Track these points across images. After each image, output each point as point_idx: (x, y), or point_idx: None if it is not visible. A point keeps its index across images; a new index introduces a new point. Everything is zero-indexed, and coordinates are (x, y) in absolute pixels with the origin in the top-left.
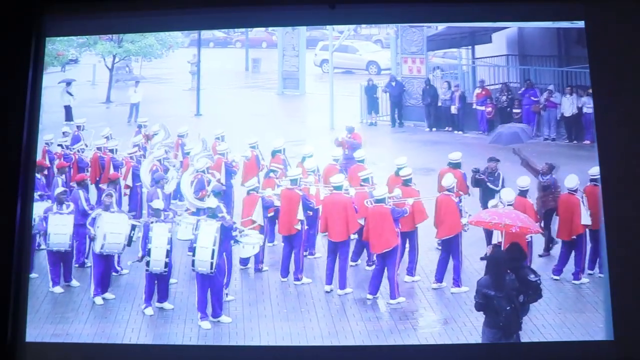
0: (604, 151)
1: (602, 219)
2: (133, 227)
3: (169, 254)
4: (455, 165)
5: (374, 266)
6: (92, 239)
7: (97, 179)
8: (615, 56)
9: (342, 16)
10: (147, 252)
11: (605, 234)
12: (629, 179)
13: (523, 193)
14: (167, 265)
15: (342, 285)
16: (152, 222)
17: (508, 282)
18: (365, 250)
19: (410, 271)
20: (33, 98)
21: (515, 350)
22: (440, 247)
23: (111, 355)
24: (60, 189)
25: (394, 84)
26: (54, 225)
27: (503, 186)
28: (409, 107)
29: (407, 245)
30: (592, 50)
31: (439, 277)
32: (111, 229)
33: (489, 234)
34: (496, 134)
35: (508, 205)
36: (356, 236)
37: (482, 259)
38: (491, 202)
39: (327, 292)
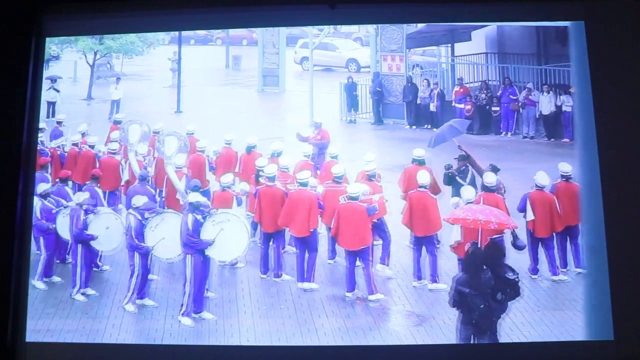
0: (603, 150)
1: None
2: None
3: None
4: (421, 162)
5: (335, 259)
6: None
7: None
8: (615, 56)
9: (342, 16)
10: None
11: (605, 233)
12: (629, 176)
13: (490, 189)
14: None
15: (309, 278)
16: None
17: (484, 281)
18: (329, 245)
19: (383, 260)
20: (33, 98)
21: (514, 350)
22: (413, 245)
23: (112, 355)
24: (45, 186)
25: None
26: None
27: (473, 183)
28: (388, 104)
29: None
30: (591, 50)
31: (418, 275)
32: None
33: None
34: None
35: (468, 203)
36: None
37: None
38: (452, 200)
39: (299, 289)
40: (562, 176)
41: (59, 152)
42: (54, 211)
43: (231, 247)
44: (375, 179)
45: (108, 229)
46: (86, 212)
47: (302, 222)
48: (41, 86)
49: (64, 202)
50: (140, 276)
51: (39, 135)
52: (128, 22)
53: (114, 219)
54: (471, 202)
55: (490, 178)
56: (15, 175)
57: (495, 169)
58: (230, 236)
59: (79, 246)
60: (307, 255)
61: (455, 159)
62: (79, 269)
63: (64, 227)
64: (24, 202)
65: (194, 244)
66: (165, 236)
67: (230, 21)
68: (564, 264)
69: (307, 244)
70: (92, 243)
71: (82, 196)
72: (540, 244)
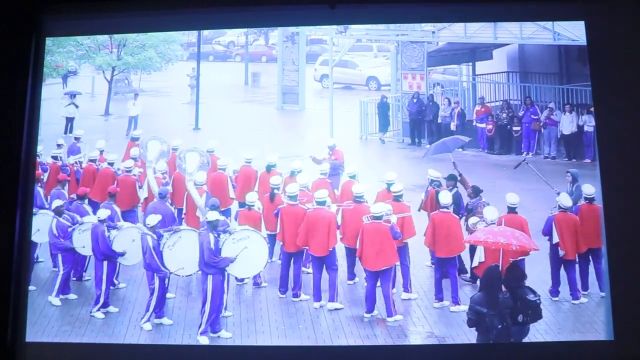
0: (602, 149)
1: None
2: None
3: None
4: (438, 184)
5: (355, 280)
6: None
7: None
8: (615, 56)
9: (342, 16)
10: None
11: (605, 235)
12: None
13: (512, 210)
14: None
15: (332, 298)
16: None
17: (502, 301)
18: (349, 266)
19: (406, 287)
20: (33, 98)
21: (516, 351)
22: (433, 265)
23: (112, 354)
24: (59, 202)
25: (415, 100)
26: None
27: (457, 204)
28: (407, 123)
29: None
30: (591, 51)
31: (440, 296)
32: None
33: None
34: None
35: (491, 224)
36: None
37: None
38: (471, 220)
39: (315, 308)
40: (586, 198)
41: (75, 169)
42: (70, 229)
43: (252, 263)
44: (402, 199)
45: (134, 242)
46: (108, 228)
47: (321, 242)
48: (41, 86)
49: (78, 218)
50: (159, 296)
51: (59, 151)
52: (128, 22)
53: (137, 233)
54: (494, 224)
55: (512, 198)
56: (15, 177)
57: (477, 190)
58: (252, 252)
59: (104, 263)
60: (326, 275)
61: (444, 178)
62: (104, 286)
63: (80, 244)
64: (24, 203)
65: (216, 263)
66: (183, 254)
67: (230, 21)
68: (585, 287)
69: (325, 263)
70: (120, 259)
71: (104, 213)
72: (562, 266)
